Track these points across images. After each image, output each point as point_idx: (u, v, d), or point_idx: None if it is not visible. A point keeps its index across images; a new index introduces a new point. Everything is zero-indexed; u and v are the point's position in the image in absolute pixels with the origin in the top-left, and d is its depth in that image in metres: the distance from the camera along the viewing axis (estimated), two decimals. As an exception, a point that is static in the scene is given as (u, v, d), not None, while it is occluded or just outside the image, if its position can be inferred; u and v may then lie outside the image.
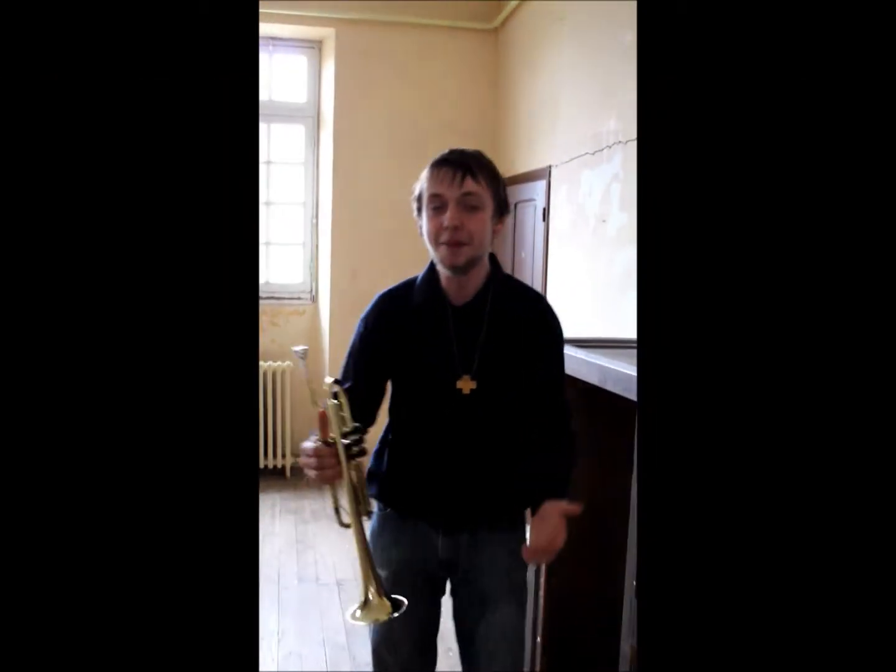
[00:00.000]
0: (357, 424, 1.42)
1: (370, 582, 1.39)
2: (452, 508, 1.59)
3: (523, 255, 4.22)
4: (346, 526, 1.42)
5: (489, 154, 1.57)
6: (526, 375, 1.57)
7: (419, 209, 1.54)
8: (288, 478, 4.80)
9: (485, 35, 4.84)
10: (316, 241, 5.05)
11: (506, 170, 4.22)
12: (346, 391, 1.44)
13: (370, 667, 2.66)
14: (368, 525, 1.64)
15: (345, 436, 1.40)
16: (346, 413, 1.42)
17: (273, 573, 3.45)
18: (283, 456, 4.83)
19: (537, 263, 4.02)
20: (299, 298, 5.07)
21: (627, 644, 1.71)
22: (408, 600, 1.40)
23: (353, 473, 1.42)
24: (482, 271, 1.56)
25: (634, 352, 2.00)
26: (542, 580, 2.17)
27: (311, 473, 1.42)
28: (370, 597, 1.39)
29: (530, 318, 1.58)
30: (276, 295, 4.97)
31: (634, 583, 1.68)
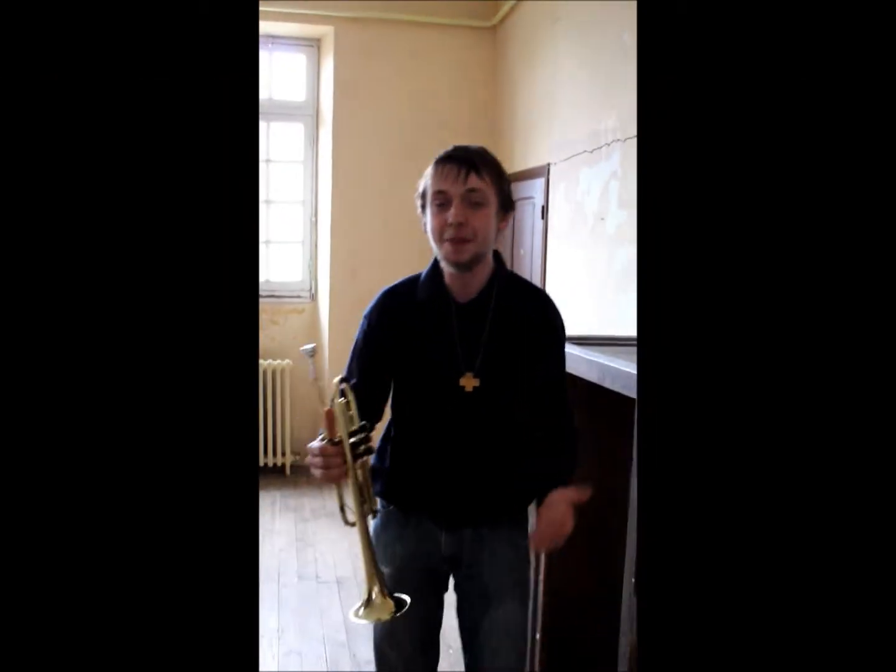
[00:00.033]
0: (364, 423, 1.43)
1: (373, 581, 1.40)
2: (455, 505, 1.59)
3: (522, 252, 4.22)
4: (352, 524, 1.43)
5: (488, 151, 1.57)
6: (529, 373, 1.57)
7: (423, 206, 1.53)
8: (288, 475, 4.81)
9: (483, 33, 4.84)
10: (315, 239, 5.05)
11: (504, 167, 4.20)
12: (352, 388, 1.44)
13: (370, 665, 2.67)
14: (372, 523, 1.65)
15: (351, 435, 1.41)
16: (354, 412, 1.43)
17: (273, 571, 3.46)
18: (283, 454, 4.83)
19: (536, 261, 4.02)
20: (299, 297, 5.07)
21: (626, 641, 1.72)
22: (411, 597, 1.41)
23: (359, 472, 1.43)
24: (486, 268, 1.56)
25: (633, 349, 2.01)
26: (542, 577, 2.17)
27: (318, 472, 1.42)
28: (373, 596, 1.39)
29: (534, 315, 1.58)
30: (276, 293, 4.97)
31: (633, 579, 1.69)
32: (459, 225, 1.46)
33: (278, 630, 2.96)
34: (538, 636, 2.19)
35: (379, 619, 1.42)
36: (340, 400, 1.42)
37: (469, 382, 1.53)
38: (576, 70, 3.63)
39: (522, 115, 4.40)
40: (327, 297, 4.85)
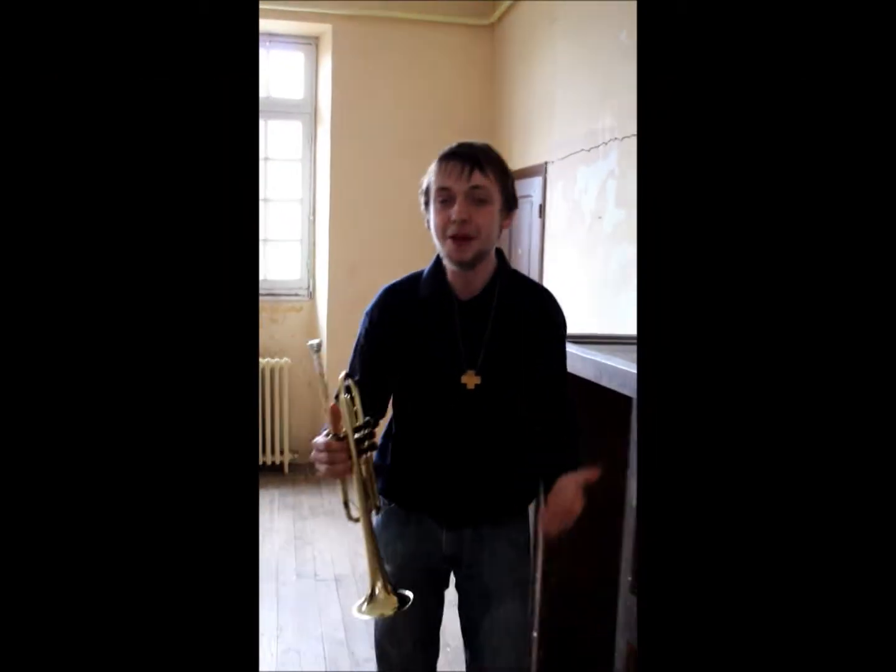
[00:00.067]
0: (368, 419, 1.43)
1: (377, 576, 1.40)
2: (456, 504, 1.59)
3: (519, 251, 4.22)
4: (355, 520, 1.43)
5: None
6: (531, 371, 1.57)
7: (426, 202, 1.53)
8: (286, 474, 4.81)
9: (481, 31, 4.84)
10: (313, 237, 5.05)
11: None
12: (355, 384, 1.45)
13: (369, 663, 2.69)
14: (374, 520, 1.65)
15: (356, 430, 1.41)
16: (358, 407, 1.43)
17: (271, 569, 3.46)
18: (282, 452, 4.84)
19: (533, 260, 4.02)
20: (297, 295, 5.07)
21: (623, 639, 1.73)
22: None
23: (363, 468, 1.43)
24: (489, 266, 1.56)
25: (630, 348, 2.02)
26: (539, 575, 2.18)
27: (322, 468, 1.43)
28: (377, 591, 1.40)
29: (536, 313, 1.58)
30: (274, 291, 4.97)
31: (630, 578, 1.69)
32: (463, 222, 1.45)
33: (277, 628, 2.96)
34: (535, 634, 2.20)
35: (382, 615, 1.42)
36: (345, 395, 1.43)
37: (471, 380, 1.53)
38: (573, 69, 3.63)
39: (520, 114, 4.40)
40: (325, 295, 4.85)
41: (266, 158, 4.91)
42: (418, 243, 4.36)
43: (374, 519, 1.55)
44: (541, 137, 4.03)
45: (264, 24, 4.54)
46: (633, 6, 2.96)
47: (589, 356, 1.87)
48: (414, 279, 1.61)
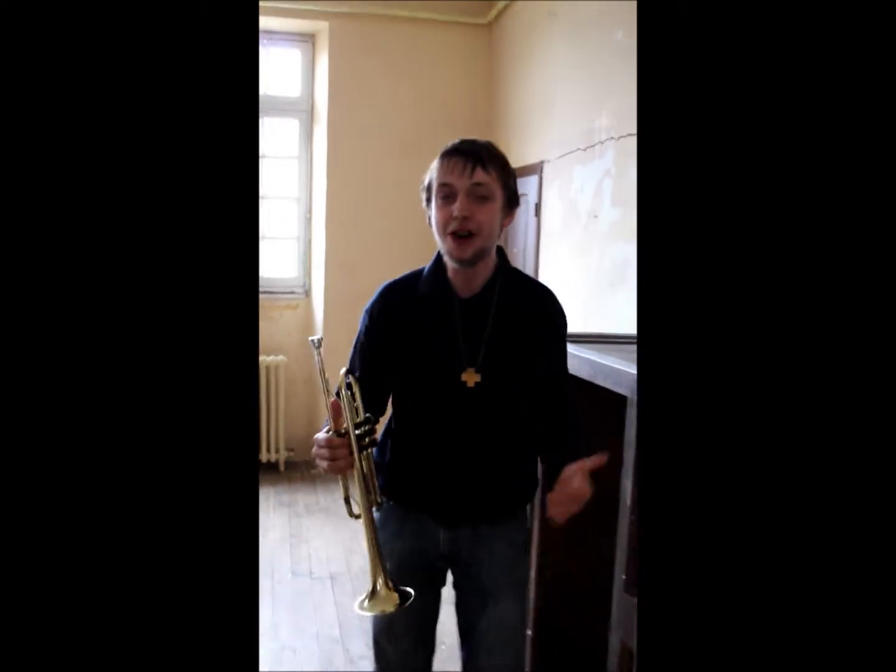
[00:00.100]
0: (368, 415, 1.44)
1: (378, 573, 1.40)
2: (455, 502, 1.59)
3: (515, 250, 4.23)
4: (357, 517, 1.43)
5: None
6: (531, 369, 1.56)
7: (428, 199, 1.53)
8: (282, 471, 4.81)
9: (478, 30, 4.83)
10: (309, 235, 5.05)
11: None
12: (356, 379, 1.45)
13: (363, 660, 2.69)
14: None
15: (357, 426, 1.41)
16: (359, 403, 1.43)
17: (267, 567, 3.46)
18: (277, 450, 4.83)
19: (529, 258, 4.03)
20: (293, 293, 5.07)
21: (617, 637, 1.73)
22: None
23: (364, 464, 1.43)
24: (490, 264, 1.56)
25: (625, 347, 2.02)
26: (533, 574, 2.18)
27: (324, 464, 1.43)
28: (378, 588, 1.40)
29: (537, 311, 1.58)
30: (270, 289, 4.97)
31: (624, 576, 1.70)
32: (464, 218, 1.45)
33: (272, 626, 2.96)
34: (529, 632, 2.20)
35: (383, 611, 1.42)
36: (346, 392, 1.43)
37: (471, 378, 1.53)
38: (570, 68, 3.64)
39: (517, 113, 4.40)
40: (321, 293, 4.85)
41: (262, 156, 4.90)
42: (415, 241, 4.36)
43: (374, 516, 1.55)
44: (537, 136, 4.03)
45: (261, 22, 4.52)
46: (630, 6, 2.97)
47: (584, 355, 1.87)
48: (414, 277, 1.60)
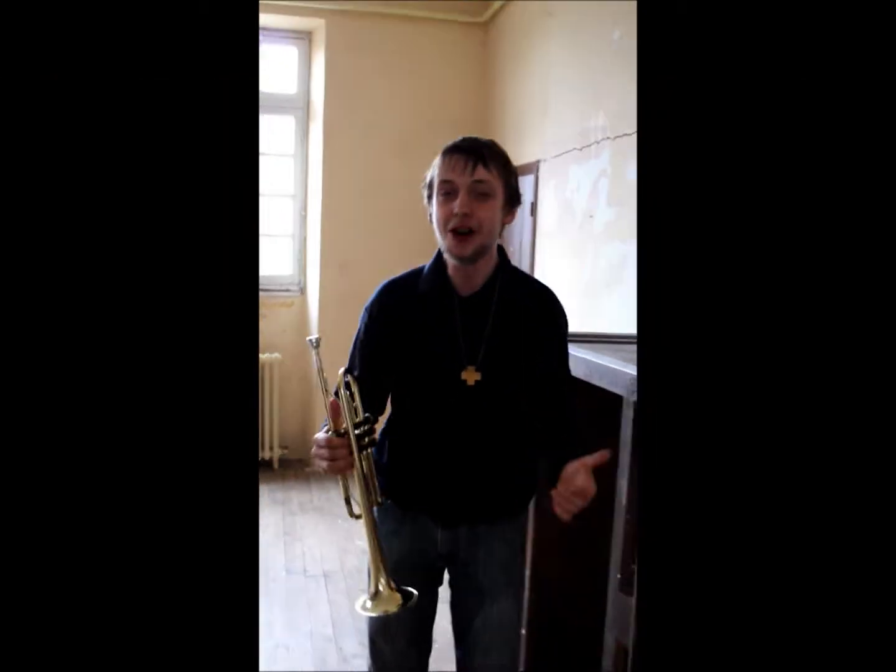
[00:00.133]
0: (368, 415, 1.43)
1: (380, 573, 1.40)
2: (453, 502, 1.58)
3: (511, 249, 4.23)
4: (357, 517, 1.43)
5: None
6: (532, 368, 1.56)
7: (429, 196, 1.52)
8: (276, 469, 4.80)
9: (474, 28, 4.83)
10: (305, 233, 5.04)
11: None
12: (355, 380, 1.45)
13: (357, 658, 2.69)
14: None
15: (356, 426, 1.41)
16: (358, 403, 1.43)
17: (261, 565, 3.45)
18: (271, 448, 4.83)
19: (524, 258, 4.03)
20: (288, 290, 5.06)
21: (612, 636, 1.74)
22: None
23: (364, 464, 1.43)
24: (490, 262, 1.56)
25: (621, 346, 2.03)
26: (528, 573, 2.19)
27: (323, 464, 1.43)
28: (380, 588, 1.40)
29: (537, 310, 1.58)
30: (265, 287, 4.96)
31: (619, 576, 1.70)
32: (465, 215, 1.45)
33: (265, 624, 2.96)
34: (524, 631, 2.21)
35: (386, 612, 1.41)
36: (344, 391, 1.43)
37: (471, 376, 1.52)
38: (566, 67, 3.64)
39: (512, 112, 4.41)
40: (317, 290, 4.84)
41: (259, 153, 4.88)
42: (411, 240, 4.37)
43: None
44: (533, 136, 4.03)
45: (257, 19, 4.52)
46: (627, 5, 2.98)
47: (580, 355, 1.87)
48: (414, 275, 1.60)
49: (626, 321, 2.81)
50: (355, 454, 1.41)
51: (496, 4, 4.58)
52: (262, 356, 4.72)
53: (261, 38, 4.75)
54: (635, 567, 1.59)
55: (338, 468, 1.42)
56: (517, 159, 4.21)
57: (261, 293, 4.86)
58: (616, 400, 1.71)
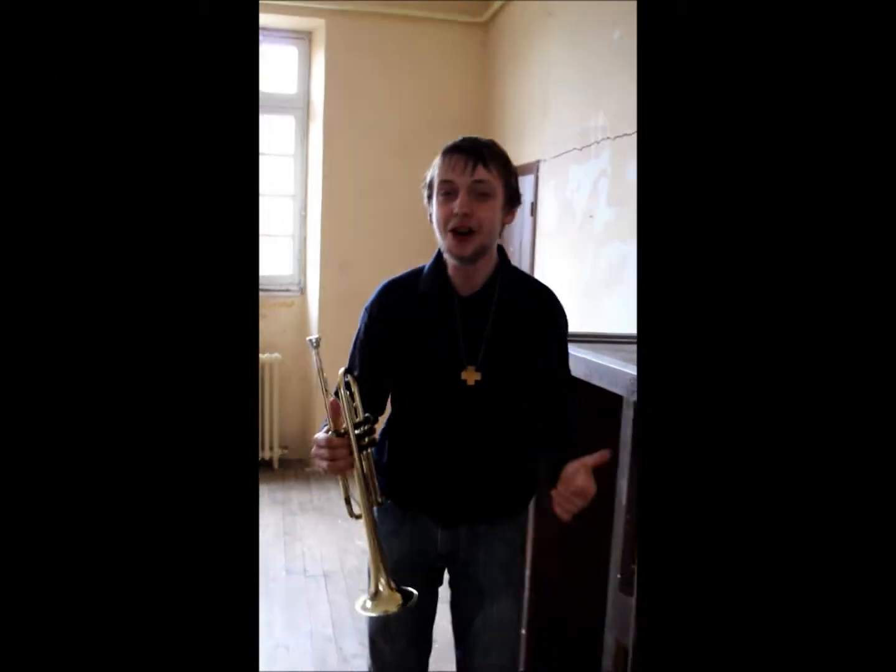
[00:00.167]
0: (368, 415, 1.44)
1: (380, 573, 1.40)
2: (454, 501, 1.58)
3: (511, 249, 4.23)
4: (357, 517, 1.43)
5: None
6: (532, 368, 1.56)
7: (429, 196, 1.53)
8: (276, 469, 4.80)
9: (474, 28, 4.84)
10: (305, 233, 5.04)
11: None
12: (355, 380, 1.45)
13: (357, 658, 2.69)
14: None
15: (356, 426, 1.41)
16: (358, 403, 1.43)
17: (261, 565, 3.45)
18: (271, 448, 4.83)
19: (524, 258, 4.03)
20: (288, 290, 5.06)
21: (611, 636, 1.74)
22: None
23: (364, 464, 1.43)
24: (490, 262, 1.56)
25: (621, 346, 2.03)
26: (528, 572, 2.19)
27: (324, 464, 1.43)
28: (380, 588, 1.39)
29: (537, 310, 1.58)
30: (265, 287, 4.95)
31: (619, 576, 1.70)
32: (465, 215, 1.45)
33: (265, 624, 2.96)
34: (523, 631, 2.21)
35: (386, 612, 1.41)
36: (344, 391, 1.42)
37: (471, 376, 1.52)
38: (566, 67, 3.64)
39: (512, 112, 4.41)
40: (316, 290, 4.85)
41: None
42: (410, 240, 4.37)
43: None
44: (533, 136, 4.03)
45: (257, 19, 4.52)
46: (628, 5, 2.97)
47: (579, 355, 1.87)
48: (414, 275, 1.60)
49: (625, 321, 2.81)
50: (355, 454, 1.41)
51: (496, 4, 4.58)
52: (262, 356, 4.72)
53: (261, 38, 4.76)
54: (635, 567, 1.59)
55: (338, 468, 1.42)
56: (517, 159, 4.21)
57: (261, 293, 4.85)
58: (616, 400, 1.71)
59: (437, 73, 4.82)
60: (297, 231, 5.06)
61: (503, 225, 1.55)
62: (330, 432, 1.42)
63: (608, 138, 3.14)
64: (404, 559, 1.60)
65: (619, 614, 1.70)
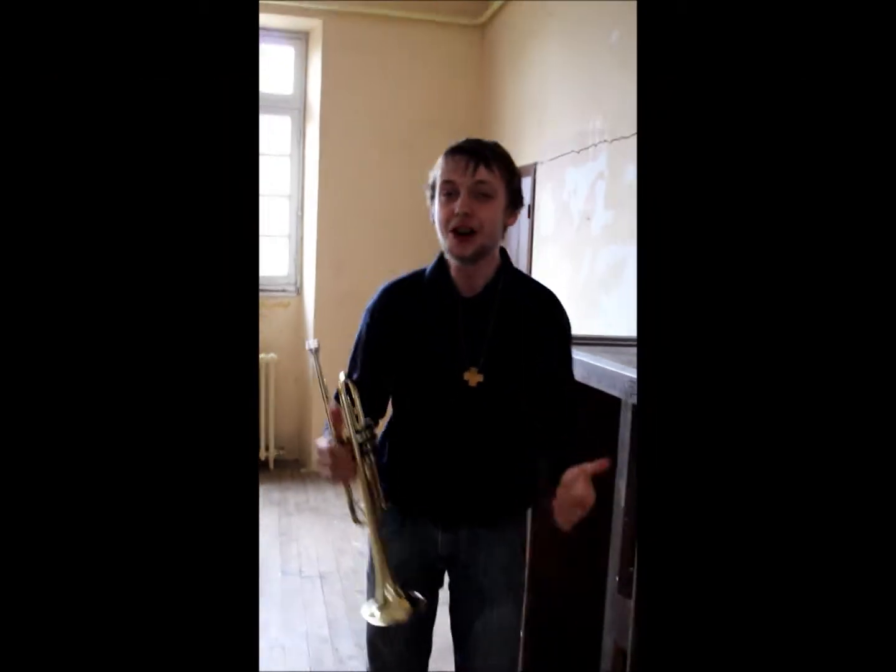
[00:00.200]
0: (369, 421, 1.43)
1: (388, 581, 1.39)
2: (455, 503, 1.58)
3: (508, 252, 4.23)
4: (362, 523, 1.42)
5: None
6: (534, 370, 1.56)
7: (432, 196, 1.53)
8: (271, 469, 4.79)
9: (472, 31, 4.84)
10: (301, 233, 5.04)
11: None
12: (355, 383, 1.44)
13: (353, 660, 2.69)
14: None
15: (358, 433, 1.41)
16: (359, 409, 1.42)
17: (256, 566, 3.45)
18: (267, 448, 4.82)
19: (522, 260, 4.03)
20: (284, 291, 5.06)
21: (610, 639, 1.74)
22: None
23: (368, 471, 1.43)
24: (492, 263, 1.56)
25: (619, 349, 2.03)
26: (526, 574, 2.18)
27: (327, 472, 1.42)
28: (388, 597, 1.38)
29: (540, 312, 1.58)
30: (261, 287, 4.93)
31: (617, 578, 1.70)
32: (465, 215, 1.45)
33: (262, 624, 2.95)
34: (521, 634, 2.21)
35: (395, 620, 1.40)
36: (345, 397, 1.42)
37: (473, 377, 1.52)
38: (564, 70, 3.64)
39: (510, 114, 4.41)
40: (313, 291, 4.84)
41: (256, 154, 4.87)
42: (407, 240, 4.37)
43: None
44: (530, 138, 4.03)
45: (255, 19, 4.51)
46: (625, 7, 2.97)
47: (577, 357, 1.87)
48: (416, 276, 1.60)
49: (623, 324, 2.82)
50: (358, 461, 1.41)
51: (493, 6, 4.58)
52: (259, 356, 4.71)
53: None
54: (634, 569, 1.59)
55: (342, 476, 1.41)
56: (514, 161, 4.21)
57: (257, 293, 4.85)
58: (614, 403, 1.71)
59: (434, 74, 4.82)
60: (293, 231, 5.05)
61: (505, 226, 1.55)
62: (332, 440, 1.41)
63: (605, 141, 3.15)
64: (405, 561, 1.60)
65: (618, 616, 1.70)
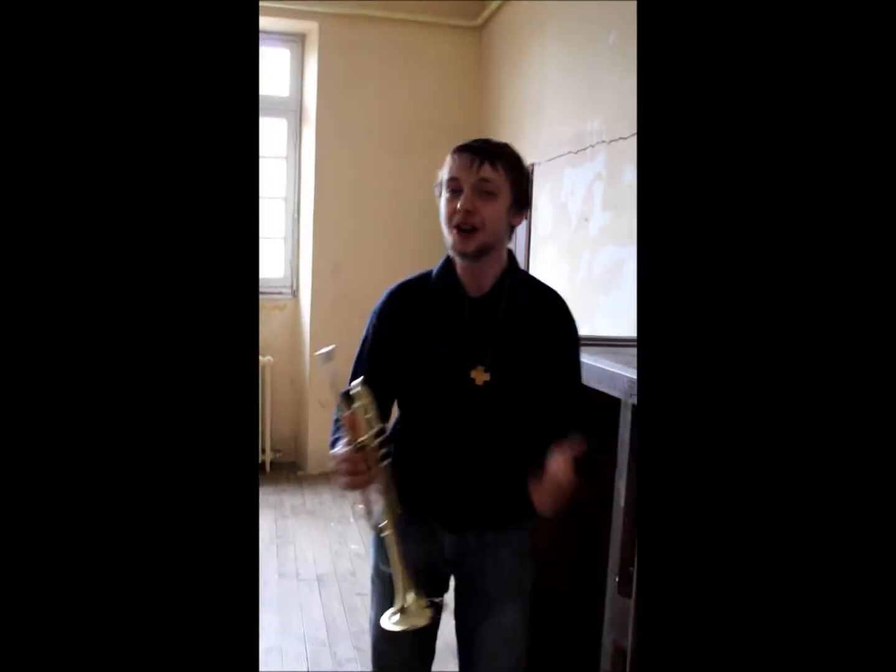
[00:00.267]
0: (382, 426, 1.43)
1: (408, 586, 1.38)
2: (462, 505, 1.57)
3: (506, 252, 4.23)
4: (379, 529, 1.42)
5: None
6: (541, 369, 1.55)
7: (440, 194, 1.54)
8: (268, 472, 4.78)
9: (469, 32, 4.84)
10: (297, 235, 5.03)
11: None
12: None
13: (351, 663, 2.68)
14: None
15: (375, 438, 1.40)
16: (372, 415, 1.42)
17: (253, 568, 3.44)
18: (263, 451, 4.80)
19: (519, 261, 4.02)
20: (280, 293, 5.05)
21: (610, 639, 1.73)
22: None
23: (385, 476, 1.42)
24: (498, 263, 1.56)
25: (617, 350, 2.03)
26: (532, 580, 2.18)
27: (345, 480, 1.41)
28: (408, 602, 1.38)
29: (546, 313, 1.58)
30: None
31: (617, 578, 1.70)
32: (467, 212, 1.46)
33: (259, 627, 2.94)
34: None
35: (415, 626, 1.39)
36: (358, 404, 1.41)
37: (480, 376, 1.52)
38: (562, 71, 3.65)
39: (507, 115, 4.41)
40: (309, 293, 4.83)
41: (253, 156, 4.87)
42: (403, 242, 4.37)
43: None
44: (528, 139, 4.03)
45: (251, 21, 4.51)
46: (623, 8, 2.98)
47: (577, 357, 1.87)
48: (424, 276, 1.61)
49: (622, 325, 2.82)
50: (375, 467, 1.40)
51: (491, 6, 4.59)
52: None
53: (254, 40, 4.75)
54: (634, 569, 1.59)
55: (360, 483, 1.40)
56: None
57: (254, 296, 4.84)
58: (613, 403, 1.71)
59: (431, 76, 4.82)
60: (289, 234, 5.05)
61: (511, 227, 1.55)
62: (347, 448, 1.40)
63: (603, 142, 3.15)
64: (410, 565, 1.58)
65: (618, 616, 1.70)
